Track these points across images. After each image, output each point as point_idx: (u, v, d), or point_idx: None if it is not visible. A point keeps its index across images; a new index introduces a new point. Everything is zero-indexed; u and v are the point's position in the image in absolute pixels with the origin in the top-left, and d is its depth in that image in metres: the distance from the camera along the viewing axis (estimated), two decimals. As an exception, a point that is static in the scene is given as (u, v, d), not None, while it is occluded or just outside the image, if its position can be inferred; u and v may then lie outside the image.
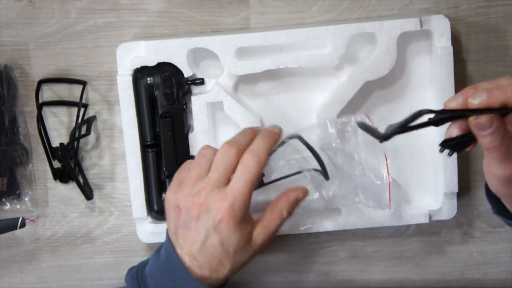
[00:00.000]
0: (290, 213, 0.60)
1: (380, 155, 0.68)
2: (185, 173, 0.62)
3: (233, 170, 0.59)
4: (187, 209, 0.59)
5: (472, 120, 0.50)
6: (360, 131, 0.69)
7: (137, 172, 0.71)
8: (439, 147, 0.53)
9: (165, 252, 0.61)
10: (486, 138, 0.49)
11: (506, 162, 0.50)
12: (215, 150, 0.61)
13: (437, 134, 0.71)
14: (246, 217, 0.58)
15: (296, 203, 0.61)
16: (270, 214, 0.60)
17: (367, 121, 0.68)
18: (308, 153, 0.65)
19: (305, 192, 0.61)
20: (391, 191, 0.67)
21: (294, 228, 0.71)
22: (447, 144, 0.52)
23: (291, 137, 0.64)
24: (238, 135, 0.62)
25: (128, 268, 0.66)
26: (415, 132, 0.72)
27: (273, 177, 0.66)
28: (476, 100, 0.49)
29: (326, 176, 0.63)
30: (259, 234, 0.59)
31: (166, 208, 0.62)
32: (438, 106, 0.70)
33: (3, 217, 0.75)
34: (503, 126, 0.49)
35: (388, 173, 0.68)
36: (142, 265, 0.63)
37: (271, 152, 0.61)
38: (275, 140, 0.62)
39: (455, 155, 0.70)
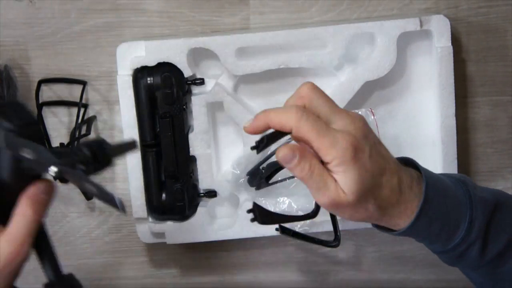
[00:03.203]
0: (39, 210, 0.47)
1: None
2: None
3: None
4: None
5: (277, 154, 0.50)
6: None
7: (137, 172, 0.71)
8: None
9: None
10: (294, 170, 0.50)
11: (322, 190, 0.50)
12: None
13: (437, 133, 0.71)
14: None
15: (36, 198, 0.47)
16: (13, 218, 0.47)
17: (372, 117, 0.69)
18: None
19: (45, 187, 0.47)
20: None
21: (294, 228, 0.71)
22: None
23: None
24: None
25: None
26: (415, 131, 0.73)
27: (280, 178, 0.67)
28: (246, 124, 0.52)
29: None
30: (5, 244, 0.46)
31: None
32: (437, 106, 0.70)
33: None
34: (308, 154, 0.49)
35: None
36: None
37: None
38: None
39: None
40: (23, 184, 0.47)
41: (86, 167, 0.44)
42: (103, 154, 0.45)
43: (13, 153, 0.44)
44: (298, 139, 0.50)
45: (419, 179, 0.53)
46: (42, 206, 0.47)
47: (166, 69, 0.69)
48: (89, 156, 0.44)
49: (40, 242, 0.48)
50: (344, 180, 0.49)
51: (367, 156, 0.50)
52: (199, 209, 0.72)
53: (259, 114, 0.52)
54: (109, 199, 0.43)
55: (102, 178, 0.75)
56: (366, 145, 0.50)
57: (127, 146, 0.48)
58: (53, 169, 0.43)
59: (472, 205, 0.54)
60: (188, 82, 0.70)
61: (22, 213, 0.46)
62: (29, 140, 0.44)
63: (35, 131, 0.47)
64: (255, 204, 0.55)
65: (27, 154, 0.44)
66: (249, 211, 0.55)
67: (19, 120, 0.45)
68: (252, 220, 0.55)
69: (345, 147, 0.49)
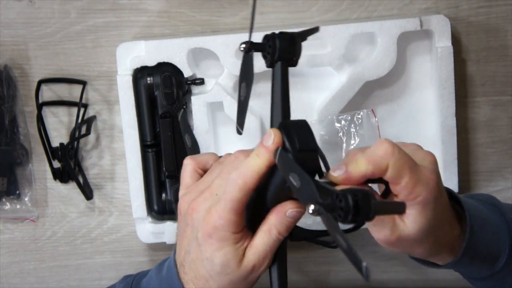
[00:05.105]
0: (282, 232, 0.51)
1: None
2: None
3: None
4: (184, 214, 0.52)
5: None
6: (364, 127, 0.69)
7: (137, 172, 0.71)
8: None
9: (167, 267, 0.55)
10: None
11: (378, 227, 0.49)
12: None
13: (437, 133, 0.71)
14: (236, 232, 0.50)
15: (287, 219, 0.50)
16: (259, 232, 0.51)
17: (373, 118, 0.69)
18: None
19: (298, 207, 0.50)
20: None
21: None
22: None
23: None
24: None
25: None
26: (415, 131, 0.73)
27: None
28: (335, 173, 0.48)
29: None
30: (250, 255, 0.51)
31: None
32: (438, 106, 0.70)
33: (2, 217, 0.75)
34: None
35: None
36: (141, 275, 0.59)
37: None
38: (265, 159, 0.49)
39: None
40: (280, 200, 0.50)
41: (344, 215, 0.42)
42: (366, 208, 0.42)
43: (283, 174, 0.46)
44: (391, 179, 0.47)
45: (458, 210, 0.52)
46: (287, 228, 0.51)
47: (166, 69, 0.69)
48: (350, 207, 0.42)
49: (276, 255, 0.52)
50: (418, 218, 0.48)
51: (443, 194, 0.49)
52: (199, 209, 0.72)
53: (348, 159, 0.48)
54: (356, 261, 0.42)
55: (102, 179, 0.75)
56: (441, 183, 0.49)
57: (396, 207, 0.43)
58: (311, 207, 0.43)
59: (511, 231, 0.53)
60: (188, 82, 0.70)
61: (268, 231, 0.50)
62: (303, 166, 0.44)
63: (313, 159, 0.47)
64: None
65: (294, 180, 0.44)
66: None
67: (301, 144, 0.46)
68: None
69: (432, 187, 0.47)
